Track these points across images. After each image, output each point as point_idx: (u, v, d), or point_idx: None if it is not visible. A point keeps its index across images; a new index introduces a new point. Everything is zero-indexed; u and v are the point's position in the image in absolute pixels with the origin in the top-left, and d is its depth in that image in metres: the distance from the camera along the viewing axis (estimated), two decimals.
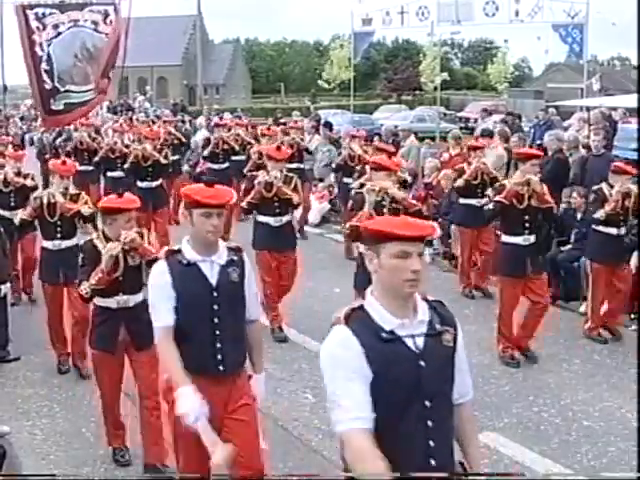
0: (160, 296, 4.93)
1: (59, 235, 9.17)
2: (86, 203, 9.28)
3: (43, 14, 17.28)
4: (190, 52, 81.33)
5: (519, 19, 26.34)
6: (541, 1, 25.80)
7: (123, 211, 6.54)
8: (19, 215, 9.63)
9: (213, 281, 4.98)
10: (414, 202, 8.74)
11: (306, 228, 16.36)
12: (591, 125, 15.90)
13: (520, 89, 63.85)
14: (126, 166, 14.28)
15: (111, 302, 6.72)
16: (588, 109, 18.14)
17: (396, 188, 8.73)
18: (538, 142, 16.40)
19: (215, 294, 4.99)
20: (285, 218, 10.23)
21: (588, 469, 6.58)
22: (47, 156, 19.46)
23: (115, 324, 6.68)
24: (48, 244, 9.23)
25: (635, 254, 9.88)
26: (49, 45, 17.47)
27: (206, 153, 16.49)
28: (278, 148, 10.66)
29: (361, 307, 3.54)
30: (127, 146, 15.77)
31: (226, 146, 16.33)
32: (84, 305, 7.93)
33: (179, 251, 4.97)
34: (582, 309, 10.35)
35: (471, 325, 10.08)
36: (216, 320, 5.01)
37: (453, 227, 12.77)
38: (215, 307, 4.99)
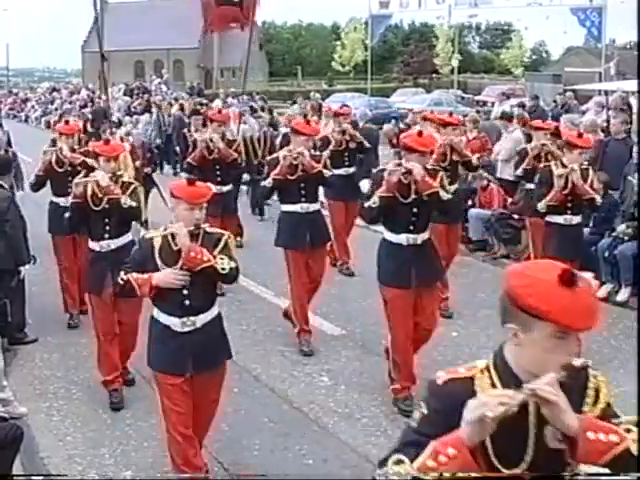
0: None
1: (70, 190, 8.98)
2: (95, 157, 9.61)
3: None
4: (207, 35, 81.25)
5: (537, 2, 26.19)
6: None
7: (103, 156, 7.84)
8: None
9: None
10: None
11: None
12: (610, 109, 15.81)
13: (538, 73, 63.46)
14: None
15: (95, 246, 7.86)
16: (606, 93, 18.02)
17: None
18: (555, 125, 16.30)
19: None
20: None
21: None
22: (138, 163, 14.07)
23: (100, 267, 7.69)
24: (60, 199, 9.84)
25: None
26: None
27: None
28: None
29: None
30: (316, 158, 9.04)
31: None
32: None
33: None
34: (600, 293, 10.27)
35: (487, 309, 10.07)
36: None
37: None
38: None
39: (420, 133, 7.31)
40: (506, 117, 15.08)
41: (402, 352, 7.43)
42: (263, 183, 8.98)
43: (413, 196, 7.13)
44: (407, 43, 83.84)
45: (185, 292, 5.54)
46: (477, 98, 45.70)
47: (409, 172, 6.98)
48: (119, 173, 8.01)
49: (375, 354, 8.74)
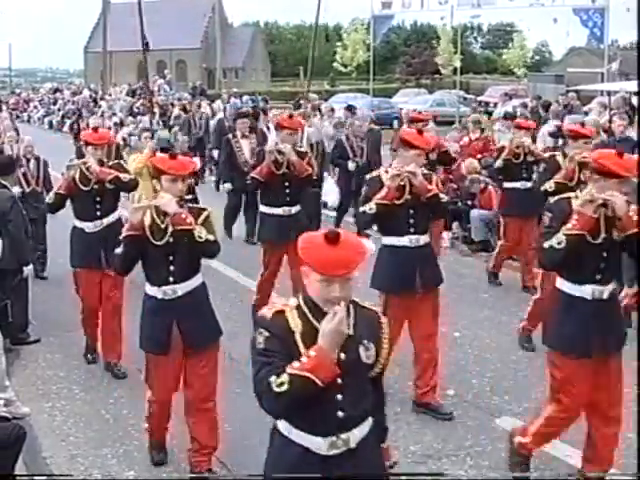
0: None
1: (98, 214, 8.24)
2: (125, 170, 8.36)
3: None
4: (209, 35, 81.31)
5: (540, 3, 26.14)
6: None
7: (169, 175, 5.93)
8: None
9: None
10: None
11: (325, 212, 16.33)
12: (612, 110, 15.81)
13: (540, 73, 63.38)
14: None
15: (157, 292, 6.09)
16: (609, 93, 18.01)
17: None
18: (557, 124, 16.29)
19: None
20: None
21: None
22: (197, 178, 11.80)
23: (164, 319, 6.08)
24: (85, 225, 8.32)
25: None
26: None
27: (499, 164, 10.79)
28: None
29: None
30: (428, 178, 7.18)
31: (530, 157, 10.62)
32: (118, 293, 8.29)
33: None
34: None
35: (490, 309, 10.07)
36: None
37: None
38: None
39: (620, 153, 5.36)
40: (509, 117, 15.10)
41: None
42: (362, 209, 7.07)
43: (603, 235, 5.42)
44: (409, 44, 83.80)
45: (339, 397, 3.73)
46: (480, 98, 45.66)
47: (606, 205, 5.30)
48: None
49: None
